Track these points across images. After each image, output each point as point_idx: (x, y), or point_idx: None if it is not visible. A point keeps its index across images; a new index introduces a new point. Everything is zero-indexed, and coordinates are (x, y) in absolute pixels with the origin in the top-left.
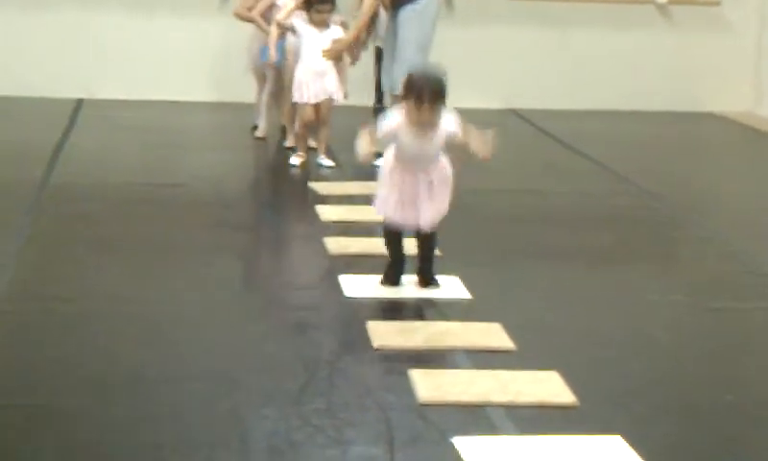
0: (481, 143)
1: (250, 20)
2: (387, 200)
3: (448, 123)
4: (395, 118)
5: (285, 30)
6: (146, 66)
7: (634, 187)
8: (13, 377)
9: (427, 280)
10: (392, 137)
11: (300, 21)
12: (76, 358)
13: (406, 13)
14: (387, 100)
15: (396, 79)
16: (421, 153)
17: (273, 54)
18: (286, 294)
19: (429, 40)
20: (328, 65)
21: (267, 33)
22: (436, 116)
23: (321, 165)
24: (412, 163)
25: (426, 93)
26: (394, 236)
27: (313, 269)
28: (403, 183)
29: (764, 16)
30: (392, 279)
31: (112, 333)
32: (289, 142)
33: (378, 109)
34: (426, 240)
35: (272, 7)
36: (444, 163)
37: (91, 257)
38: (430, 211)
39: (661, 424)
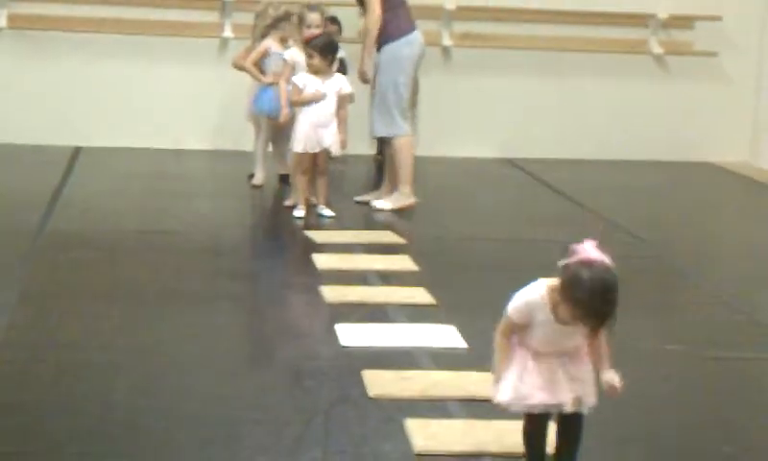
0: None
1: (245, 69)
2: (522, 382)
3: None
4: (535, 292)
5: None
6: (144, 114)
7: (630, 236)
8: (9, 426)
9: None
10: (526, 315)
11: (303, 74)
12: (72, 407)
13: (384, 55)
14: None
15: (372, 123)
16: (562, 344)
17: (285, 112)
18: (282, 342)
19: (406, 81)
20: (330, 116)
21: (260, 81)
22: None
23: (321, 216)
24: (546, 349)
25: (600, 316)
26: (539, 425)
27: (309, 318)
28: (537, 365)
29: (762, 67)
30: None
31: (108, 382)
32: (290, 201)
33: (380, 159)
34: (573, 427)
35: (265, 55)
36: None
37: (87, 305)
38: (579, 388)
39: None
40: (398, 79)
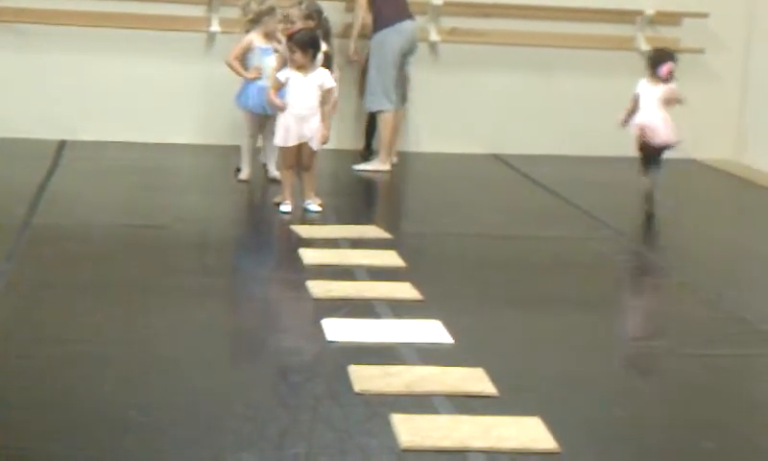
0: None
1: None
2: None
3: None
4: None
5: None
6: (130, 108)
7: (615, 233)
8: None
9: None
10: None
11: (285, 70)
12: (58, 402)
13: (374, 42)
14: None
15: (365, 100)
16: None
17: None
18: (268, 337)
19: (389, 66)
20: (312, 110)
21: (243, 76)
22: None
23: (307, 210)
24: None
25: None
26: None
27: (295, 313)
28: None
29: (748, 64)
30: None
31: (94, 377)
32: (279, 198)
33: (366, 155)
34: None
35: (249, 50)
36: None
37: (73, 299)
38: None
39: None
40: (381, 62)
